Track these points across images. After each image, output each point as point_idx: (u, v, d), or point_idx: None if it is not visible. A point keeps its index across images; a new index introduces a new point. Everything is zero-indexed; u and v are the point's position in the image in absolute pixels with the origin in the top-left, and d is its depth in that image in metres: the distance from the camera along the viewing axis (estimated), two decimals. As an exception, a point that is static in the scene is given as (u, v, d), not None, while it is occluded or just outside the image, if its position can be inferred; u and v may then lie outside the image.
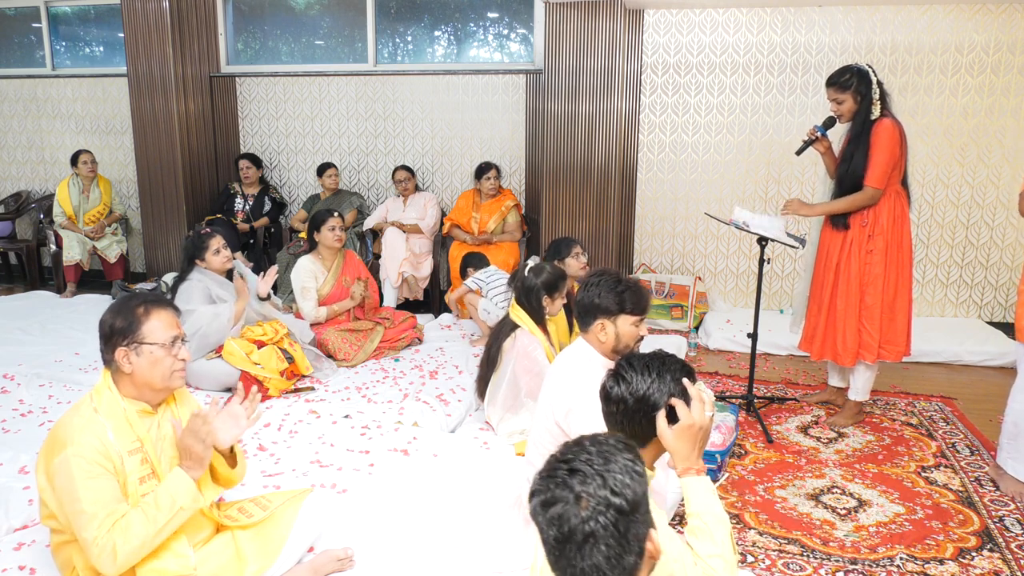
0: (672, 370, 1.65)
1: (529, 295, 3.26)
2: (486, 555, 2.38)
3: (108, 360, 1.98)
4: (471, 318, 4.86)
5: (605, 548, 1.16)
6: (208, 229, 3.97)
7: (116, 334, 1.95)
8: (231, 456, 2.12)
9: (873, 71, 3.35)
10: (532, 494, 1.22)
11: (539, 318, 3.28)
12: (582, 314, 2.38)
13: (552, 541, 1.19)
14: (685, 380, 1.63)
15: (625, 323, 2.34)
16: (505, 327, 3.34)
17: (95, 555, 1.82)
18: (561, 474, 1.20)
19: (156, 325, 1.97)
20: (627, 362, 1.69)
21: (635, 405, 1.63)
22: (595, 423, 2.20)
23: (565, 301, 3.41)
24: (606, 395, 1.68)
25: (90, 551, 1.83)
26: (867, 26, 4.99)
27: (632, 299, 2.35)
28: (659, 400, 1.62)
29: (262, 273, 4.12)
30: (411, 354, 4.40)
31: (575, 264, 3.89)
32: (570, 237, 4.10)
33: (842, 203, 3.42)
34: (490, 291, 4.53)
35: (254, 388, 2.14)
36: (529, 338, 3.22)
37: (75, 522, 1.84)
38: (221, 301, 3.82)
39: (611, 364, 2.34)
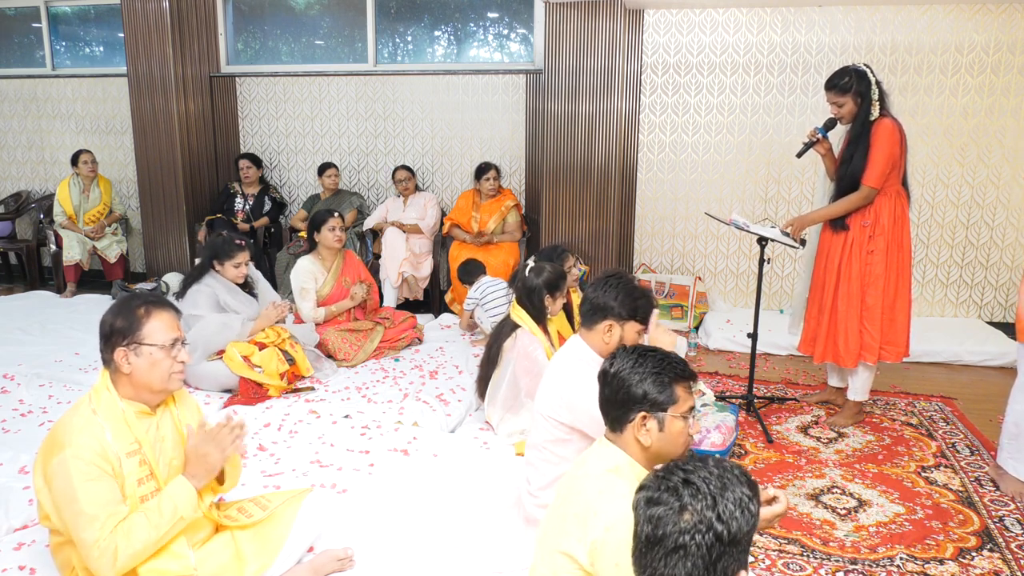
0: (655, 360, 1.68)
1: (531, 295, 3.26)
2: (486, 555, 2.38)
3: (107, 360, 1.97)
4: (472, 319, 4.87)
5: (691, 566, 1.14)
6: (241, 241, 3.91)
7: (116, 334, 1.94)
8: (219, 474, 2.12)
9: (871, 70, 3.34)
10: (640, 487, 1.23)
11: (540, 318, 3.27)
12: (592, 311, 2.37)
13: (643, 537, 1.19)
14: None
15: (631, 329, 2.35)
16: (506, 327, 3.33)
17: (95, 557, 1.81)
18: (676, 480, 1.19)
19: (156, 326, 1.97)
20: (623, 348, 1.76)
21: (615, 383, 1.68)
22: (595, 415, 2.21)
23: (565, 300, 3.41)
24: (601, 375, 1.74)
25: (89, 552, 1.82)
26: (867, 26, 4.99)
27: (645, 309, 2.37)
28: (634, 388, 1.65)
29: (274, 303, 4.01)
30: (411, 354, 4.40)
31: (567, 278, 3.87)
32: (561, 246, 4.08)
33: (839, 206, 3.42)
34: (484, 302, 4.55)
35: (242, 419, 2.11)
36: (529, 338, 3.21)
37: (74, 523, 1.83)
38: (230, 310, 3.81)
39: None
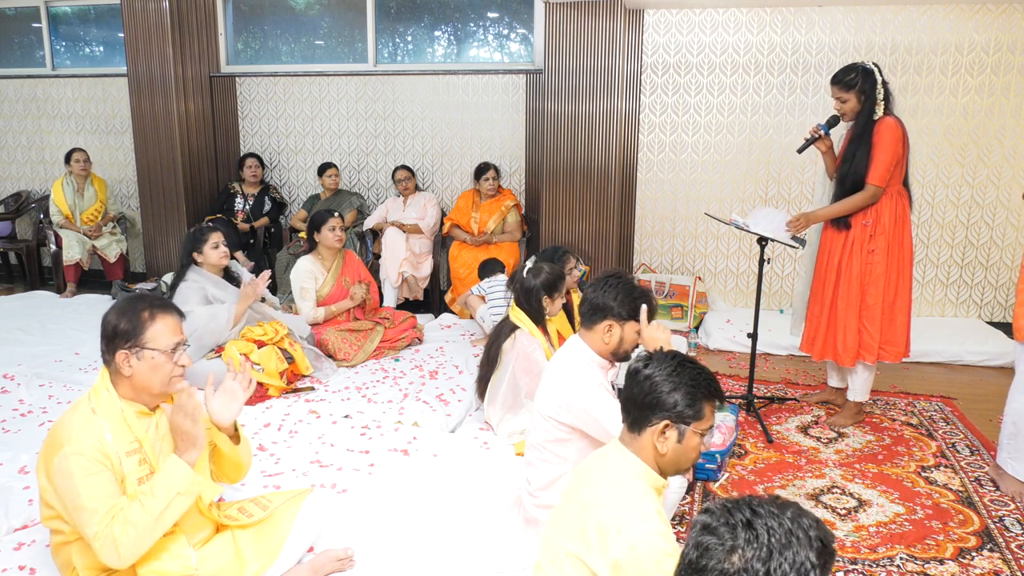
0: (692, 372, 1.65)
1: (529, 296, 3.26)
2: (486, 555, 2.38)
3: (107, 360, 1.97)
4: (471, 318, 4.87)
5: None
6: (210, 223, 3.97)
7: (119, 336, 1.94)
8: (235, 436, 2.12)
9: (879, 70, 3.34)
10: (705, 509, 1.17)
11: (539, 319, 3.27)
12: (591, 311, 2.35)
13: (687, 560, 1.15)
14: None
15: (631, 330, 2.34)
16: (505, 328, 3.33)
17: (98, 548, 1.82)
18: (739, 518, 1.11)
19: (160, 330, 1.96)
20: (662, 353, 1.72)
21: (647, 385, 1.66)
22: (594, 413, 2.20)
23: (564, 301, 3.41)
24: (632, 372, 1.71)
25: (93, 546, 1.83)
26: (867, 26, 4.99)
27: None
28: (665, 395, 1.63)
29: (255, 275, 4.10)
30: (411, 354, 4.40)
31: (567, 280, 3.86)
32: (562, 247, 4.08)
33: (845, 204, 3.41)
34: (489, 298, 4.54)
35: (242, 359, 2.12)
36: (529, 339, 3.21)
37: (78, 520, 1.84)
38: (218, 302, 3.81)
39: (605, 363, 2.35)
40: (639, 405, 1.67)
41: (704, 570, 1.10)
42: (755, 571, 1.06)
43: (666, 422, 1.63)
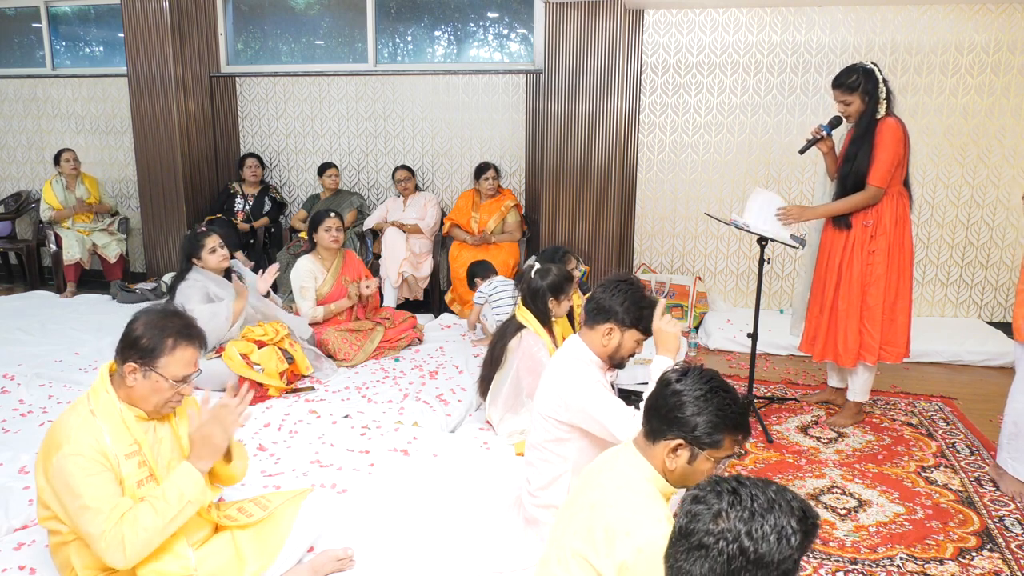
0: (721, 401, 1.62)
1: (535, 297, 3.26)
2: (486, 555, 2.38)
3: (118, 361, 1.98)
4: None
5: (707, 568, 1.16)
6: (204, 227, 3.97)
7: (135, 349, 1.94)
8: (227, 455, 2.12)
9: (879, 69, 3.33)
10: (696, 485, 1.25)
11: (545, 320, 3.27)
12: (596, 311, 2.34)
13: (677, 528, 1.22)
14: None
15: (631, 337, 2.33)
16: (511, 327, 3.33)
17: (103, 548, 1.82)
18: (724, 487, 1.20)
19: (176, 360, 1.96)
20: (700, 370, 1.68)
21: (672, 400, 1.63)
22: (592, 412, 2.20)
23: (571, 303, 3.41)
24: (663, 382, 1.68)
25: (98, 544, 1.82)
26: (867, 26, 4.99)
27: (649, 320, 2.34)
28: (687, 417, 1.60)
29: (261, 271, 4.12)
30: (411, 354, 4.40)
31: (573, 280, 3.86)
32: (562, 247, 4.07)
33: (844, 203, 3.41)
34: (493, 300, 4.54)
35: (245, 386, 2.12)
36: (534, 338, 3.21)
37: (80, 518, 1.83)
38: (219, 300, 3.82)
39: (603, 364, 2.35)
40: (660, 417, 1.64)
41: (692, 533, 1.18)
42: (737, 531, 1.14)
43: (679, 441, 1.61)
